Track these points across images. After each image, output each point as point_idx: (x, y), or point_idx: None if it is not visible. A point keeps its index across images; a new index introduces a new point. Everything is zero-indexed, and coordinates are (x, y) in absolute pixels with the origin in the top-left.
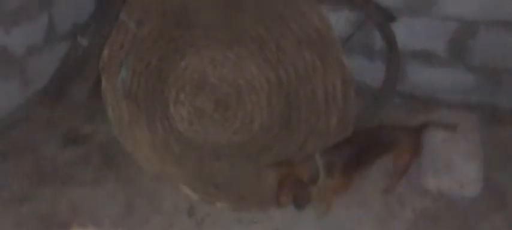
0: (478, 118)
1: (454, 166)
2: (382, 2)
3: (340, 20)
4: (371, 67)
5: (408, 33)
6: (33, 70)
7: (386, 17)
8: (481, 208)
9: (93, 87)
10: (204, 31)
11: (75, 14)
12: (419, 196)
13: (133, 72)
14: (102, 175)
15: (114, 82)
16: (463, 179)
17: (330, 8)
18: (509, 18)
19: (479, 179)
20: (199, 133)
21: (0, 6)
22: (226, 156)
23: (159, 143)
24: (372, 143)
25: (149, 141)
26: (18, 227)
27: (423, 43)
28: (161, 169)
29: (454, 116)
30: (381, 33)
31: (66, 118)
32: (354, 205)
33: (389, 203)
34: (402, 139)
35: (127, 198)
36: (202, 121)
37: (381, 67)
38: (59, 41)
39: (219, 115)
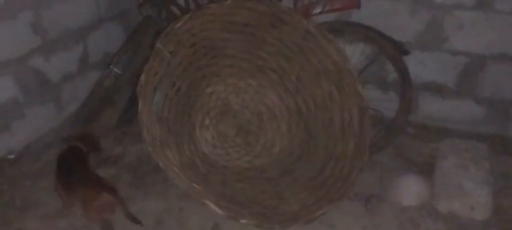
0: (488, 148)
1: (465, 190)
2: (395, 37)
3: (355, 53)
4: (384, 97)
5: (420, 66)
6: (67, 95)
7: (400, 51)
8: None
9: (123, 113)
10: (229, 61)
11: (107, 45)
12: (431, 218)
13: (165, 96)
14: (131, 193)
15: (149, 106)
16: (474, 203)
17: (347, 41)
18: None
19: (490, 203)
20: (222, 156)
21: (42, 36)
22: (249, 178)
23: (186, 163)
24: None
25: (178, 161)
26: None
27: (434, 75)
28: (189, 186)
29: (464, 145)
30: (394, 66)
31: None
32: (370, 227)
33: (404, 225)
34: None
35: (155, 215)
36: (225, 145)
37: (393, 98)
38: (91, 69)
39: (240, 139)
